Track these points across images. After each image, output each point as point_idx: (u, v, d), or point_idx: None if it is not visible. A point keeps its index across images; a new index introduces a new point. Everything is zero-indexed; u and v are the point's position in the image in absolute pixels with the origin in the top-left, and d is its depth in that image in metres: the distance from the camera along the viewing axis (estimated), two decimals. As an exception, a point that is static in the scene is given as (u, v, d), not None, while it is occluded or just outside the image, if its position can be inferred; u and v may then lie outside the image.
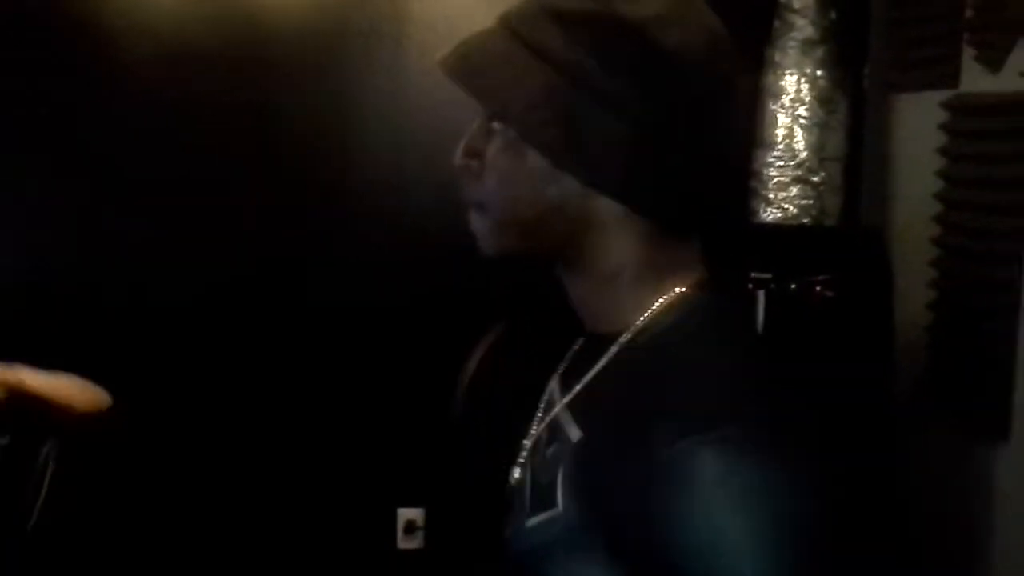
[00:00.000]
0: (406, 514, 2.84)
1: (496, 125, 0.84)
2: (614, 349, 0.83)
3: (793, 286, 2.32)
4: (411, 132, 2.72)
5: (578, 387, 0.86)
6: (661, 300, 0.83)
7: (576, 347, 0.95)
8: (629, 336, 0.83)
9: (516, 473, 0.93)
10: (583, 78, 0.78)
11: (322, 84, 2.76)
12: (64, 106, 2.71)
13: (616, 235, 0.83)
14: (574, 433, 0.83)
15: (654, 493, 0.70)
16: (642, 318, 0.83)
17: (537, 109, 0.79)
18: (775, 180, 2.48)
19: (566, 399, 0.88)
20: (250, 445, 2.81)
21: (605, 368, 0.84)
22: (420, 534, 2.82)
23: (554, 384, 0.95)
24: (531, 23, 0.81)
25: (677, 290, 0.83)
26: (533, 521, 0.84)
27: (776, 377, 0.81)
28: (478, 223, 0.88)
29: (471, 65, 0.83)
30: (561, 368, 0.96)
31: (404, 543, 2.83)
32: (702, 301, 0.84)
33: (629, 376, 0.81)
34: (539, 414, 0.94)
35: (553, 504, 0.81)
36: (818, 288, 2.33)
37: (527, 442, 0.93)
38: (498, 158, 0.84)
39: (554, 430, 0.88)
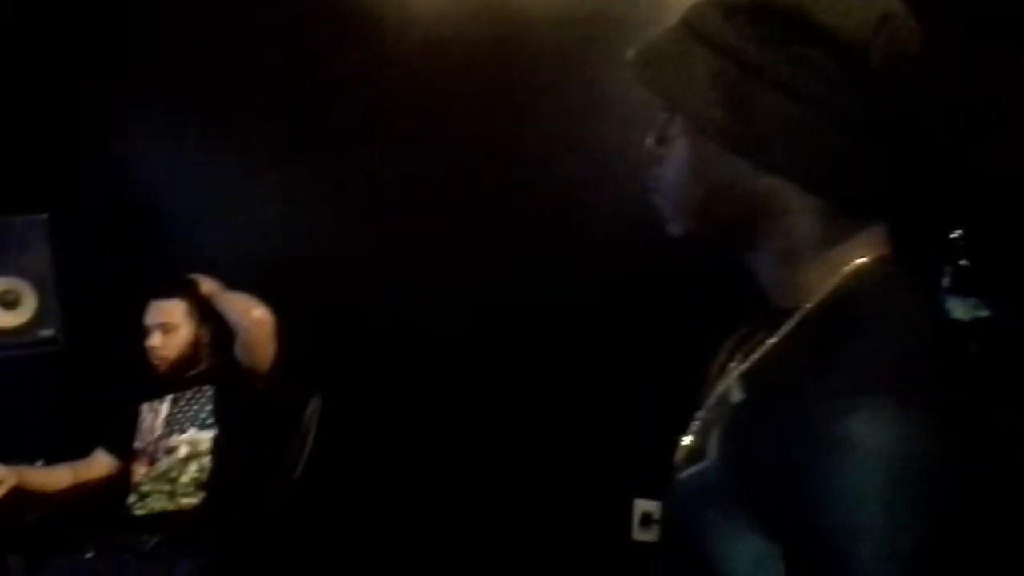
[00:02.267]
0: (643, 506, 2.82)
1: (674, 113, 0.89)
2: (793, 320, 0.85)
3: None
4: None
5: (754, 357, 0.89)
6: (842, 273, 0.84)
7: (757, 324, 0.97)
8: (808, 309, 0.84)
9: (686, 440, 0.96)
10: (747, 62, 0.81)
11: (573, 74, 2.78)
12: (314, 95, 2.92)
13: (790, 213, 0.85)
14: (737, 396, 0.88)
15: (801, 450, 0.71)
16: (822, 292, 0.84)
17: (702, 94, 0.83)
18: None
19: (738, 370, 0.91)
20: (491, 435, 2.92)
21: (781, 339, 0.86)
22: (656, 527, 2.80)
23: (732, 359, 0.98)
24: (702, 16, 0.86)
25: (858, 262, 0.84)
26: (686, 473, 0.89)
27: (950, 356, 0.79)
28: (659, 205, 0.93)
29: (646, 59, 0.89)
30: (742, 345, 0.98)
31: (640, 535, 2.82)
32: (882, 273, 0.84)
33: (799, 344, 0.83)
34: (715, 388, 0.97)
35: (704, 457, 0.86)
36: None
37: (701, 412, 0.97)
38: (674, 144, 0.88)
39: (723, 396, 0.92)
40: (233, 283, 2.91)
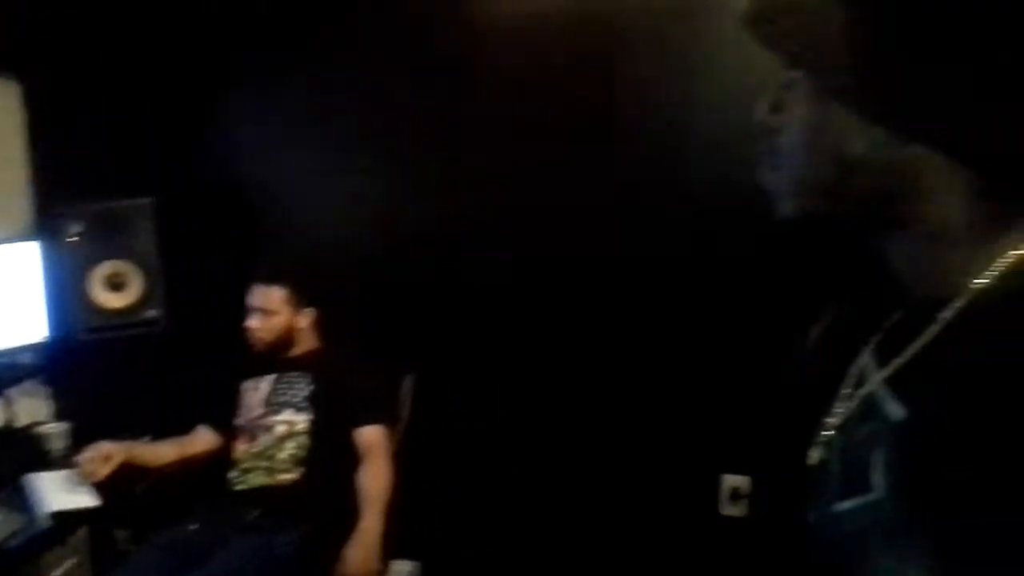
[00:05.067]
0: (731, 481, 2.82)
1: (795, 75, 0.77)
2: (945, 316, 0.72)
3: None
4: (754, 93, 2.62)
5: (899, 360, 0.76)
6: (1001, 261, 0.71)
7: (895, 319, 0.84)
8: (964, 302, 0.72)
9: (816, 453, 0.86)
10: (888, 17, 0.68)
11: (664, 45, 2.75)
12: (428, 68, 2.96)
13: (937, 189, 0.72)
14: (895, 411, 0.74)
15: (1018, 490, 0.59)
16: (978, 282, 0.72)
17: (834, 53, 0.71)
18: None
19: (883, 373, 0.78)
20: (580, 409, 2.96)
21: (935, 339, 0.73)
22: (744, 502, 2.80)
23: (866, 359, 0.84)
24: None
25: (1020, 251, 0.71)
26: (843, 506, 0.77)
27: None
28: (774, 182, 0.80)
29: (762, 10, 0.75)
30: (874, 341, 0.85)
31: (727, 510, 2.83)
32: None
33: (968, 348, 0.69)
34: (847, 390, 0.85)
35: (867, 488, 0.73)
36: None
37: (832, 420, 0.85)
38: (798, 111, 0.76)
39: (868, 408, 0.79)
40: (331, 265, 2.98)
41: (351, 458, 2.63)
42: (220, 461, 2.78)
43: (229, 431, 2.81)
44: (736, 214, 2.59)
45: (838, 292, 0.98)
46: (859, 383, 0.83)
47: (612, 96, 2.80)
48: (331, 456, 2.65)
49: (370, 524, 2.48)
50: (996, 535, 0.61)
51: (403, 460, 2.72)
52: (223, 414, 2.83)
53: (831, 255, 1.79)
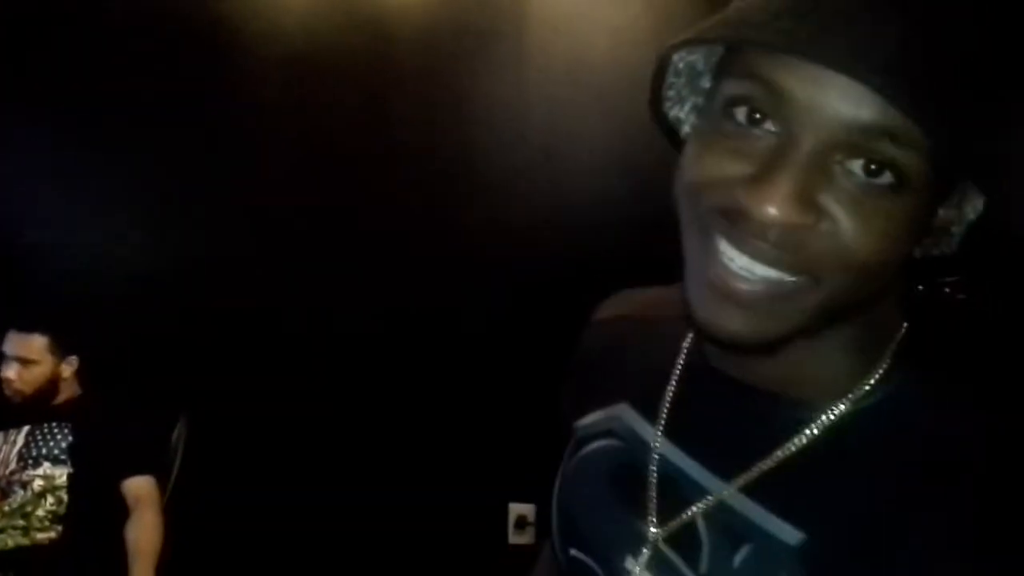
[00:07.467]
0: (517, 509, 2.84)
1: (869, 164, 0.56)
2: (824, 420, 0.63)
3: (920, 287, 2.22)
4: (530, 131, 2.71)
5: (764, 465, 0.65)
6: (880, 361, 0.64)
7: (683, 381, 0.74)
8: (848, 405, 0.63)
9: (640, 565, 0.71)
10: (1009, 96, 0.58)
11: (441, 83, 2.79)
12: (189, 106, 2.85)
13: (890, 294, 0.64)
14: (788, 534, 0.62)
15: None
16: (862, 384, 0.64)
17: (976, 142, 0.56)
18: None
19: (738, 481, 0.66)
20: (365, 439, 2.89)
21: (815, 446, 0.64)
22: (531, 530, 2.82)
23: (662, 442, 0.73)
24: (958, 24, 0.55)
25: (898, 335, 0.65)
26: None
27: None
28: (787, 297, 0.59)
29: (890, 70, 0.52)
30: (664, 412, 0.73)
31: (515, 538, 2.85)
32: (922, 352, 0.65)
33: (870, 458, 0.62)
34: (652, 488, 0.72)
35: None
36: (947, 291, 2.22)
37: (656, 531, 0.70)
38: (864, 204, 0.56)
39: (727, 524, 0.66)
40: (94, 308, 2.81)
41: (118, 512, 2.48)
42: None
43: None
44: (517, 240, 2.67)
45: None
46: (673, 482, 0.71)
47: (385, 136, 2.81)
48: (94, 511, 2.49)
49: None
50: None
51: (174, 511, 2.58)
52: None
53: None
